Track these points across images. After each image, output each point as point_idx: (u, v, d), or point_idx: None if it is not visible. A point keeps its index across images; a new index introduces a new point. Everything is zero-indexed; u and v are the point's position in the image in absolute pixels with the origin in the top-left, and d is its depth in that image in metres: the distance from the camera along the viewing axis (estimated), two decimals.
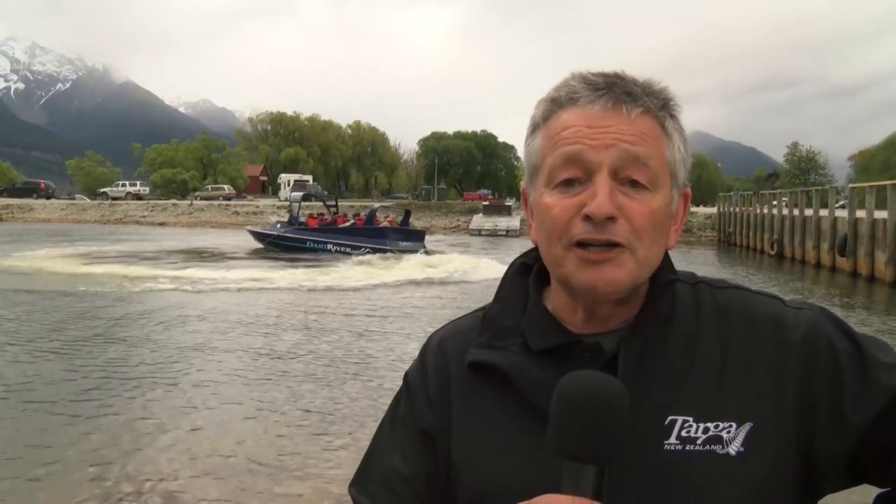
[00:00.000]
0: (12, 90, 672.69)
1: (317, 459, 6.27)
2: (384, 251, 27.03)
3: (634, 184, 0.99)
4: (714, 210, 52.66)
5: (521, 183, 1.12)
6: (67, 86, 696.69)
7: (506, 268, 1.20)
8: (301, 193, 39.06)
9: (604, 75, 1.03)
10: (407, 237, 29.36)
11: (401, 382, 1.18)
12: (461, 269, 22.86)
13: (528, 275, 1.16)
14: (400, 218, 32.22)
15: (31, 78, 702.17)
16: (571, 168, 1.00)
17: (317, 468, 6.07)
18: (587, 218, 0.97)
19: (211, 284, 18.19)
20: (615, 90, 1.01)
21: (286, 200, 54.87)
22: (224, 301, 15.72)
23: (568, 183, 1.00)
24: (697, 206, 60.07)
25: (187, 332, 12.26)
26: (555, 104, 1.04)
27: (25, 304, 14.75)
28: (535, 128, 1.08)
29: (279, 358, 10.34)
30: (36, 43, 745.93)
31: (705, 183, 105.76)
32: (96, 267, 21.86)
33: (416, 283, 19.74)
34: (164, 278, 18.94)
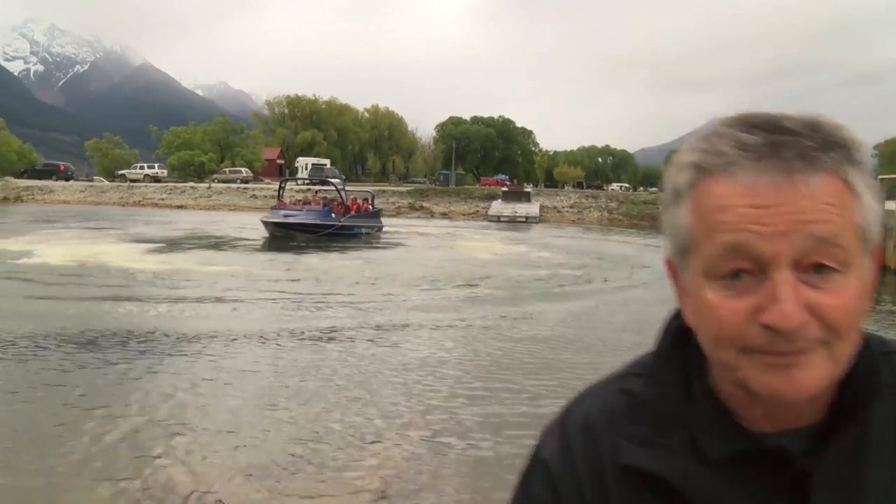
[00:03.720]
0: (31, 72, 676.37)
1: (353, 465, 6.02)
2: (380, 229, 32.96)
3: (821, 267, 0.78)
4: None
5: (664, 253, 0.91)
6: (85, 67, 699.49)
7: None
8: (285, 178, 42.46)
9: (761, 127, 0.80)
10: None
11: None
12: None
13: (685, 342, 0.92)
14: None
15: (50, 60, 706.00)
16: (738, 260, 0.79)
17: (352, 472, 5.87)
18: (767, 326, 0.77)
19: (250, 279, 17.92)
20: (784, 153, 0.78)
21: (305, 182, 55.04)
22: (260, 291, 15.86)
23: (734, 275, 0.80)
24: None
25: (224, 320, 12.30)
26: (701, 171, 0.82)
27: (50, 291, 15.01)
28: (677, 195, 0.86)
29: (318, 356, 10.19)
30: (55, 25, 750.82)
31: None
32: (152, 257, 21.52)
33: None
34: (201, 273, 18.01)
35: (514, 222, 45.69)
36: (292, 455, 6.12)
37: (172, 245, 24.38)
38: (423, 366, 9.18)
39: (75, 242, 23.66)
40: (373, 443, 6.47)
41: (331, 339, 10.70)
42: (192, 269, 17.94)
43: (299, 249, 23.95)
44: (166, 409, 7.20)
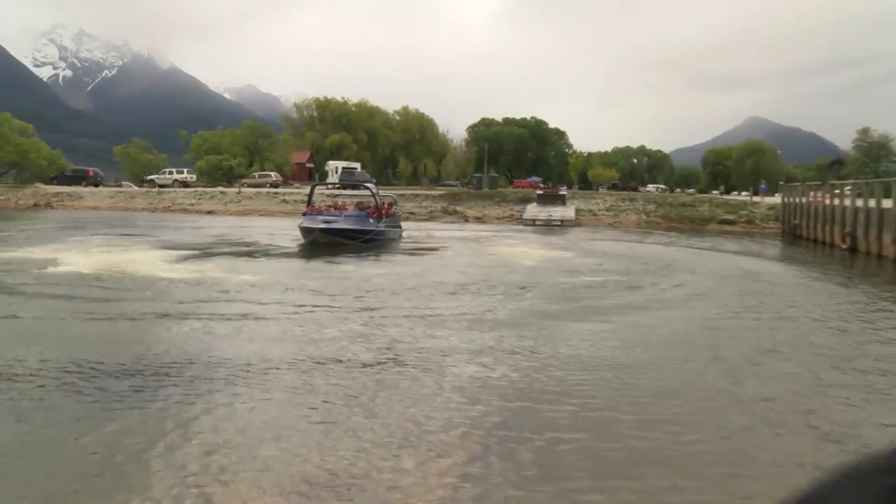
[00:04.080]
0: (60, 77, 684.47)
1: (392, 483, 5.87)
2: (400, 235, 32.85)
3: None
4: (776, 200, 51.56)
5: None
6: (113, 72, 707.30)
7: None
8: (315, 183, 41.57)
9: None
10: None
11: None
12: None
13: None
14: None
15: (79, 65, 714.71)
16: None
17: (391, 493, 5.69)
18: None
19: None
20: None
21: (335, 186, 55.03)
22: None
23: None
24: (755, 195, 58.87)
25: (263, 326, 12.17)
26: None
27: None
28: None
29: (356, 367, 10.01)
30: (83, 30, 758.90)
31: (764, 171, 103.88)
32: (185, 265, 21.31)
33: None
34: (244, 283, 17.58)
35: (549, 226, 45.27)
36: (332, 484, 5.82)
37: (203, 253, 24.19)
38: (475, 390, 8.67)
39: (104, 250, 23.55)
40: (416, 471, 6.10)
41: (373, 356, 10.19)
42: (224, 278, 17.64)
43: (332, 256, 23.51)
44: (204, 438, 6.84)
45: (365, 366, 9.72)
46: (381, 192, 40.28)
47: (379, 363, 9.86)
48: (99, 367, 9.31)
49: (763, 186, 60.62)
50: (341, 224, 27.89)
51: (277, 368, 9.45)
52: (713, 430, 7.40)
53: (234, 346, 10.66)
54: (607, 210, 50.54)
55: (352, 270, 20.39)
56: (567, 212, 48.61)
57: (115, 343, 10.72)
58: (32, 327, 11.85)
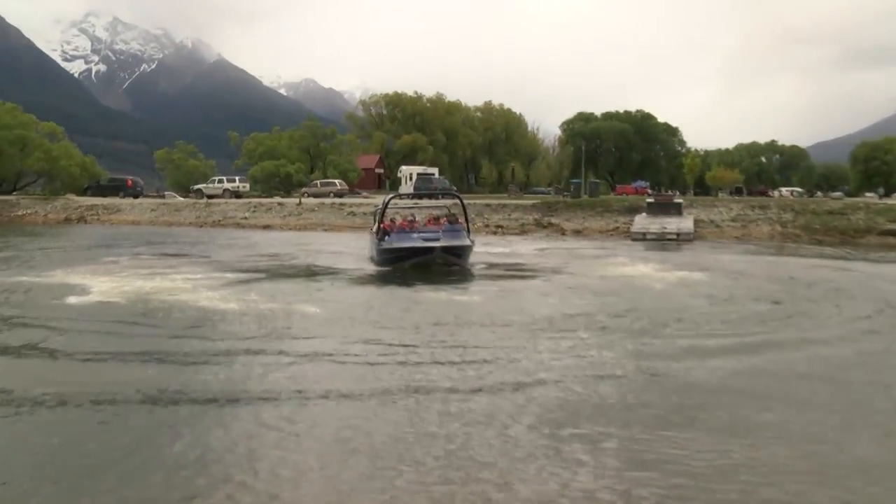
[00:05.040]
0: (93, 73, 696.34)
1: None
2: None
3: None
4: None
5: None
6: (153, 66, 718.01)
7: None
8: (393, 194, 39.79)
9: None
10: None
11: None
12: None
13: None
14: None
15: (114, 58, 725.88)
16: None
17: None
18: None
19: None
20: None
21: (409, 197, 55.47)
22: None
23: None
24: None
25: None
26: None
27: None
28: None
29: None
30: (118, 18, 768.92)
31: None
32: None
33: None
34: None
35: (662, 241, 44.58)
36: None
37: (258, 277, 24.33)
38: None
39: (140, 275, 23.76)
40: None
41: (470, 414, 9.85)
42: (283, 309, 17.39)
43: (411, 282, 23.24)
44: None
45: (444, 417, 9.49)
46: (432, 204, 40.32)
47: (456, 414, 9.61)
48: (103, 436, 8.98)
49: None
50: (452, 241, 27.23)
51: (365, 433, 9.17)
52: None
53: (283, 393, 10.54)
54: (733, 220, 49.51)
55: (437, 298, 19.99)
56: (684, 223, 47.92)
57: (132, 398, 10.33)
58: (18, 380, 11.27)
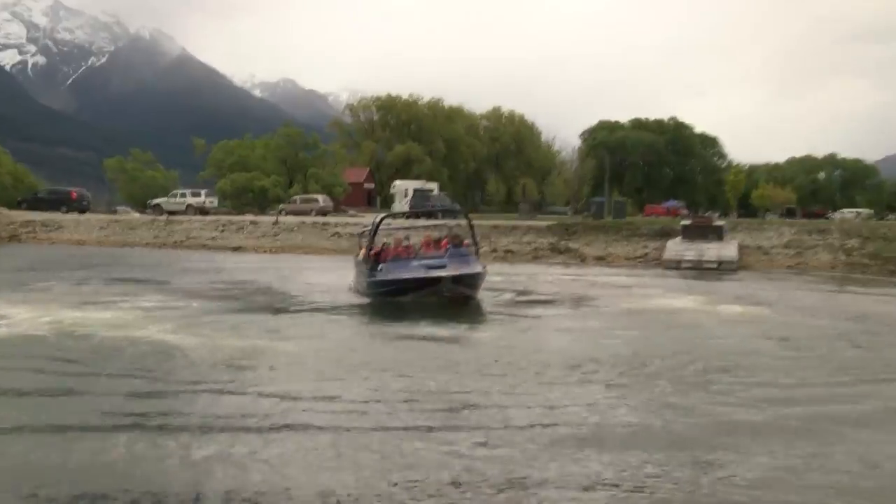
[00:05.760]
0: (30, 66, 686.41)
1: None
2: None
3: None
4: None
5: None
6: (103, 60, 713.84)
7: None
8: (385, 213, 37.35)
9: None
10: None
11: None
12: None
13: None
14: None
15: (55, 49, 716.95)
16: None
17: None
18: None
19: None
20: None
21: (406, 216, 55.25)
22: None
23: None
24: None
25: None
26: None
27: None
28: None
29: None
30: (60, 2, 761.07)
31: None
32: None
33: None
34: None
35: (700, 269, 44.40)
36: None
37: (223, 307, 23.95)
38: None
39: (78, 304, 23.24)
40: None
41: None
42: (247, 347, 16.71)
43: (404, 315, 22.66)
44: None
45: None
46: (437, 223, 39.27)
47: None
48: None
49: None
50: (462, 268, 25.37)
51: None
52: None
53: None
54: (785, 247, 48.98)
55: (436, 335, 19.29)
56: (726, 249, 47.56)
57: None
58: None
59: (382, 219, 31.10)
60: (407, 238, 30.76)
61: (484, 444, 10.15)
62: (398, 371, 14.81)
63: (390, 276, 25.39)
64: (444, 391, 13.18)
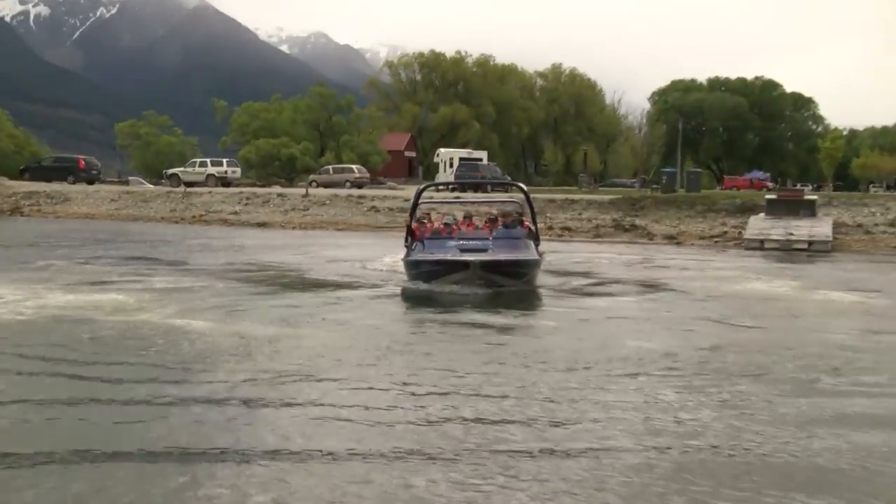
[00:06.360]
0: (32, 17, 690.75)
1: None
2: None
3: None
4: None
5: None
6: (113, 11, 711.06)
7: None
8: (423, 186, 35.07)
9: None
10: None
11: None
12: None
13: None
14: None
15: (60, 0, 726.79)
16: None
17: None
18: None
19: None
20: None
21: (449, 188, 55.06)
22: None
23: None
24: None
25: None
26: None
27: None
28: None
29: None
30: None
31: None
32: None
33: None
34: None
35: (787, 250, 43.84)
36: None
37: (245, 291, 23.77)
38: None
39: (81, 285, 23.12)
40: None
41: None
42: (272, 335, 16.46)
43: (451, 302, 21.83)
44: None
45: None
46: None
47: None
48: None
49: None
50: (502, 253, 24.35)
51: None
52: None
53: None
54: (891, 224, 48.18)
55: (487, 324, 18.62)
56: (818, 227, 46.72)
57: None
58: None
59: (423, 189, 30.63)
60: (452, 214, 30.29)
61: (512, 476, 9.07)
62: (433, 370, 13.98)
63: (421, 257, 24.69)
64: (481, 390, 12.57)
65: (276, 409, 11.45)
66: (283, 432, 10.33)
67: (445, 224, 27.46)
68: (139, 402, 11.56)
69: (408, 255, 25.41)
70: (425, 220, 27.83)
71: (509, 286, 23.54)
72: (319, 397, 11.93)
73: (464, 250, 24.07)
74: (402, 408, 11.50)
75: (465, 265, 23.01)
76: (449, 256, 23.81)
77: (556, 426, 10.70)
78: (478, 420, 10.90)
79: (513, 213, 28.55)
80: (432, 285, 23.72)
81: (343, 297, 23.45)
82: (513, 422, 10.85)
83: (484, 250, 24.08)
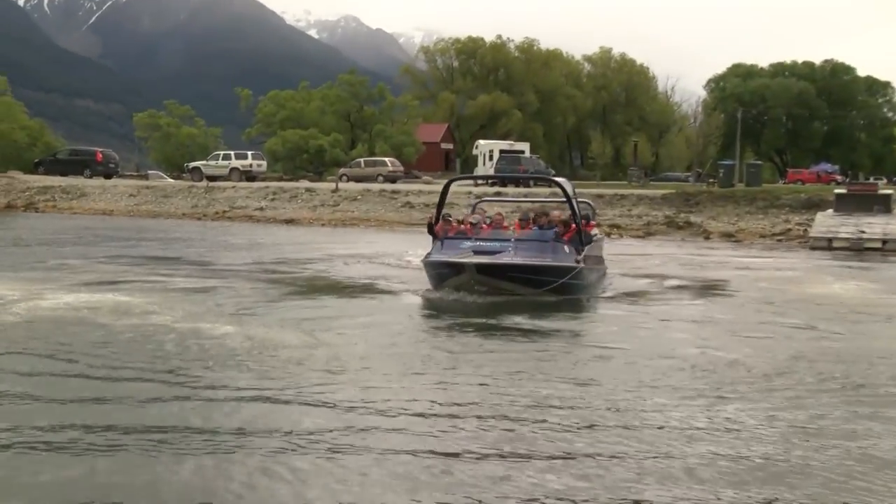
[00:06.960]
0: (46, 1, 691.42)
1: None
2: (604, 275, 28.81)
3: None
4: None
5: None
6: None
7: None
8: (450, 180, 33.88)
9: None
10: None
11: None
12: None
13: None
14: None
15: None
16: None
17: None
18: None
19: None
20: None
21: (488, 182, 54.82)
22: None
23: None
24: None
25: None
26: None
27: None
28: None
29: None
30: None
31: None
32: None
33: None
34: None
35: (858, 250, 43.41)
36: None
37: (272, 293, 23.62)
38: None
39: (95, 285, 23.14)
40: None
41: None
42: (301, 342, 16.24)
43: (487, 301, 21.44)
44: None
45: None
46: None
47: None
48: None
49: None
50: (515, 256, 23.17)
51: None
52: None
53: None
54: None
55: (528, 329, 18.43)
56: (894, 224, 46.39)
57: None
58: None
59: (450, 183, 29.51)
60: (484, 212, 29.22)
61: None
62: (465, 379, 13.66)
63: (433, 258, 23.74)
64: (522, 401, 12.14)
65: (317, 410, 11.33)
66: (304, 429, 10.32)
67: (472, 223, 25.88)
68: (155, 400, 11.70)
69: (427, 255, 24.31)
70: (450, 218, 26.25)
71: (525, 294, 22.45)
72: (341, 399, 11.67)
73: (477, 252, 23.02)
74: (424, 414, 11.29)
75: (459, 268, 22.33)
76: (450, 258, 22.98)
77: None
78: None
79: (550, 213, 26.91)
80: (441, 290, 23.15)
81: (377, 298, 23.57)
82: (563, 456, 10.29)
83: (496, 253, 23.13)
